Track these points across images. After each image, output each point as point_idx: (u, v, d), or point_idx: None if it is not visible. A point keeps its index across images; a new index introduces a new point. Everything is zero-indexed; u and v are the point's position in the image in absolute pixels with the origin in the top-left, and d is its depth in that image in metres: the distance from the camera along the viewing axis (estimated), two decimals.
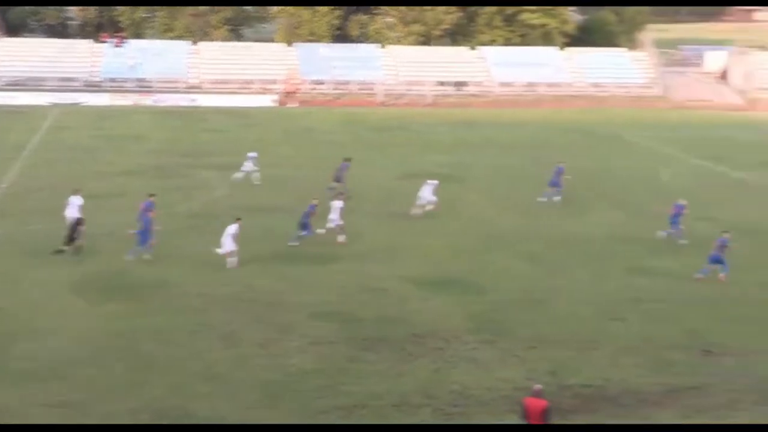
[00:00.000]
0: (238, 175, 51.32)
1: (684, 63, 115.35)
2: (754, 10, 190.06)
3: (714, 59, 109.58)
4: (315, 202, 40.26)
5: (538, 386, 21.90)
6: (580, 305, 33.35)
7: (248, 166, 51.42)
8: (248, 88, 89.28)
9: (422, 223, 43.82)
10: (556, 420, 21.62)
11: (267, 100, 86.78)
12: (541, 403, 21.39)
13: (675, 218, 41.90)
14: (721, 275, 36.39)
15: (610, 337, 30.37)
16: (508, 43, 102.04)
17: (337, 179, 48.47)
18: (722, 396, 26.24)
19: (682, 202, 42.55)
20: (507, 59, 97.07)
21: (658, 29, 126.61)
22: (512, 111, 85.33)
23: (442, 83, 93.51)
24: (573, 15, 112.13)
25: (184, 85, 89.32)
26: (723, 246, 36.40)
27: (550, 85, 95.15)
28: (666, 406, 25.61)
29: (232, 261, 36.38)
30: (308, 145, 64.41)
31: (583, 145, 67.04)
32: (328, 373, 27.00)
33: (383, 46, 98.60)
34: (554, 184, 48.85)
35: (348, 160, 49.70)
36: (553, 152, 62.86)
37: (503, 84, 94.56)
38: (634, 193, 51.49)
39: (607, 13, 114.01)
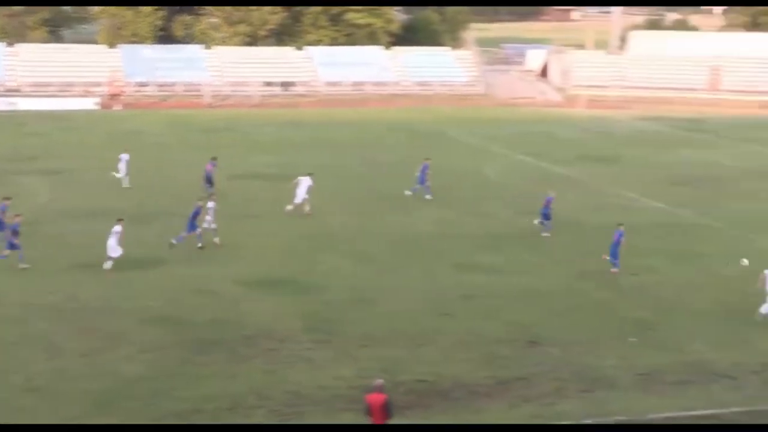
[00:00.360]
0: (118, 175, 50.53)
1: (506, 61, 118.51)
2: (571, 9, 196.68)
3: (534, 58, 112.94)
4: (200, 203, 39.88)
5: (379, 381, 22.13)
6: (411, 302, 33.75)
7: (122, 168, 50.57)
8: (69, 91, 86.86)
9: (253, 224, 43.57)
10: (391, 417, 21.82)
11: (89, 103, 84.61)
12: (381, 398, 21.63)
13: (546, 209, 43.16)
14: (610, 261, 37.71)
15: (441, 333, 30.83)
16: (334, 42, 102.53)
17: (208, 180, 48.30)
18: (548, 385, 27.00)
19: (552, 194, 43.74)
20: (333, 59, 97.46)
21: (480, 28, 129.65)
22: (339, 110, 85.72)
23: (268, 84, 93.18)
24: (397, 14, 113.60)
25: (2, 89, 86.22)
26: (620, 238, 37.43)
27: (376, 84, 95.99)
28: (496, 398, 26.18)
29: (108, 264, 36.02)
30: (134, 149, 63.05)
31: (410, 144, 67.88)
32: (159, 379, 26.54)
33: (208, 47, 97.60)
34: (422, 180, 49.61)
35: (214, 159, 49.59)
36: (380, 151, 63.55)
37: (330, 84, 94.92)
38: (461, 190, 52.38)
39: (430, 13, 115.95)
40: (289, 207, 45.32)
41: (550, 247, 41.23)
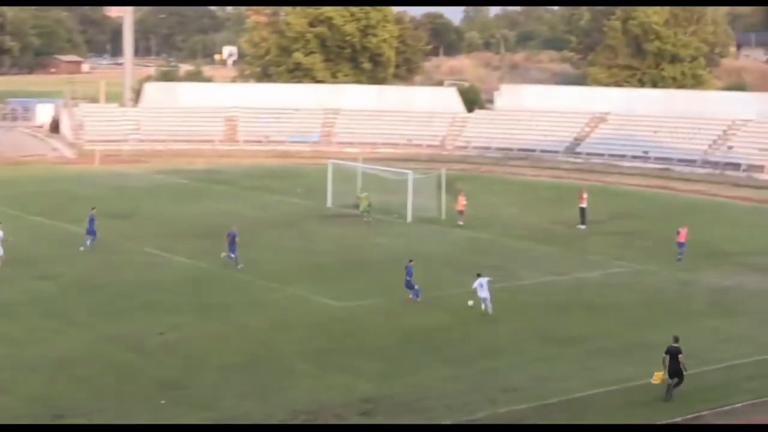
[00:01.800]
0: None
1: (12, 117, 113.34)
2: (81, 61, 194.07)
3: (44, 112, 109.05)
4: None
5: None
6: None
7: None
8: None
9: None
10: None
11: None
12: None
13: (232, 246, 46.45)
14: (412, 297, 40.82)
15: None
16: None
17: None
18: None
19: (235, 228, 46.98)
20: None
21: None
22: None
23: None
24: None
25: None
26: (409, 271, 40.79)
27: None
28: None
29: None
30: None
31: None
32: None
33: None
34: (90, 231, 50.40)
35: None
36: None
37: None
38: None
39: None
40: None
41: (70, 312, 39.14)
